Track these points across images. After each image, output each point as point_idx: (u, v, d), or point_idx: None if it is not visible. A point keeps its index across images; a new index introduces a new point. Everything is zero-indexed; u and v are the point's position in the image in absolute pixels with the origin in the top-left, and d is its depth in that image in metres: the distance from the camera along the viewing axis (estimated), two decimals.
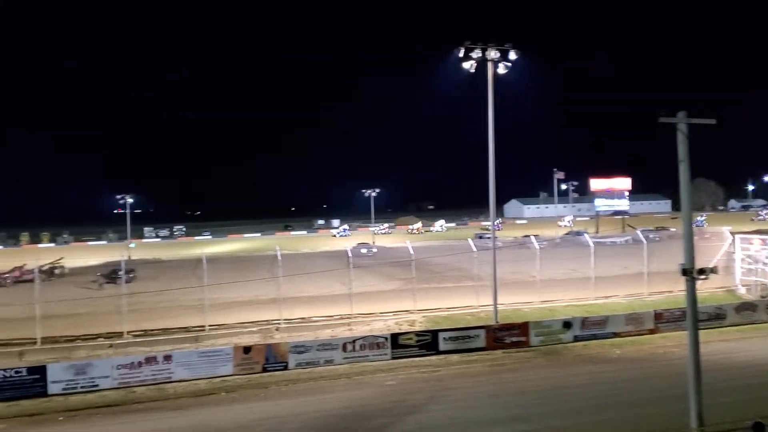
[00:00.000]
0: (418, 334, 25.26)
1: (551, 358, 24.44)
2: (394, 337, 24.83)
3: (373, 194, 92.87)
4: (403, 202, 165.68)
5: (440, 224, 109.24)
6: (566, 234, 70.44)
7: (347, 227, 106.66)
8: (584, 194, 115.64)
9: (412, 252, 32.20)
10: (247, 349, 23.28)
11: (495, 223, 30.27)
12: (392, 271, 41.94)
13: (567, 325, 26.64)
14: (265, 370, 23.03)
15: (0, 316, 31.10)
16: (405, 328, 27.16)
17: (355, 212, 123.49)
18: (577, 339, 26.37)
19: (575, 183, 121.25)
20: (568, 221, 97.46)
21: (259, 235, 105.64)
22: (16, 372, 20.80)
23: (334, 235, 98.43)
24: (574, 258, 38.63)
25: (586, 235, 49.68)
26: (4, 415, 19.30)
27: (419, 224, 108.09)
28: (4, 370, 20.86)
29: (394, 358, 24.19)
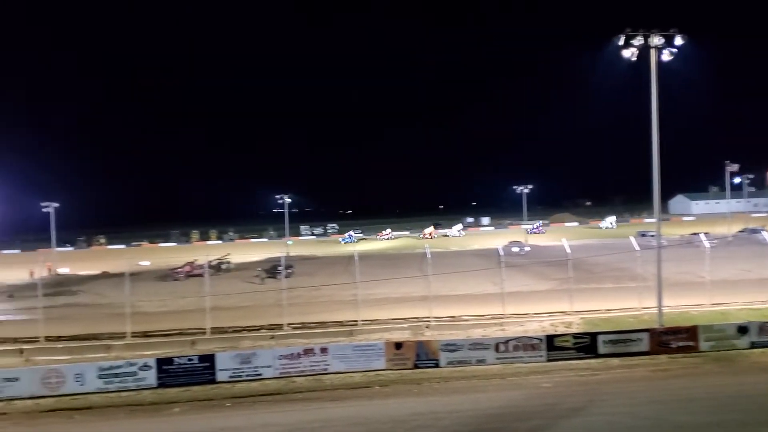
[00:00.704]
0: (575, 336, 24.16)
1: (723, 365, 22.35)
2: (550, 338, 23.92)
3: (525, 191, 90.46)
4: (558, 199, 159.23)
5: (457, 228, 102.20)
6: (740, 231, 64.62)
7: (352, 233, 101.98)
8: (762, 188, 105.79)
9: (568, 251, 30.91)
10: (398, 345, 23.48)
11: (658, 220, 28.23)
12: (546, 270, 40.67)
13: (742, 329, 24.24)
14: (416, 366, 23.09)
15: (175, 308, 33.92)
16: (561, 329, 26.09)
17: (505, 210, 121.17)
18: (754, 345, 23.90)
19: (750, 176, 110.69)
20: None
21: (407, 233, 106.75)
22: (189, 360, 22.40)
23: (340, 242, 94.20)
24: (749, 258, 35.43)
25: (764, 232, 45.16)
26: (179, 399, 20.83)
27: (431, 228, 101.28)
28: (179, 357, 22.56)
29: (549, 360, 23.31)
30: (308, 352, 23.02)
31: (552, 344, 23.63)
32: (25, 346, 25.72)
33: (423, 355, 23.27)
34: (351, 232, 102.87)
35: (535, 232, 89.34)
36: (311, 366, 22.81)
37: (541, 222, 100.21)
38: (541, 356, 23.43)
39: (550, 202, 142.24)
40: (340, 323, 28.06)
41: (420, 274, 33.47)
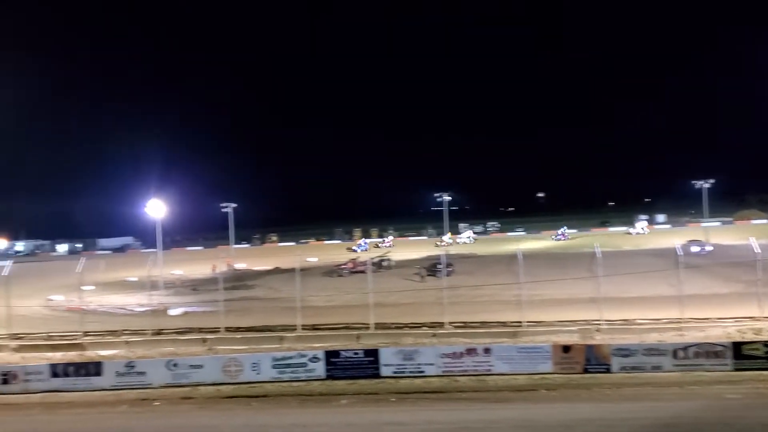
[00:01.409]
0: (767, 344, 21.83)
1: None
2: (737, 345, 21.79)
3: (706, 185, 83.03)
4: (744, 194, 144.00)
5: (467, 235, 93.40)
6: None
7: (366, 241, 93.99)
8: None
9: (758, 250, 27.99)
10: (566, 348, 22.54)
11: None
12: (731, 272, 37.32)
13: None
14: (585, 371, 22.04)
15: (340, 303, 35.16)
16: (749, 336, 23.70)
17: (682, 206, 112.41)
18: None
19: None
20: None
21: (574, 231, 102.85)
22: (355, 353, 23.00)
23: (354, 249, 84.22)
24: None
25: None
26: (346, 391, 21.46)
27: (447, 236, 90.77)
28: (345, 351, 23.24)
29: (735, 370, 21.27)
30: (471, 351, 22.75)
31: (739, 352, 21.55)
32: (207, 336, 27.75)
33: (593, 360, 22.16)
34: (365, 239, 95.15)
35: (560, 239, 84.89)
36: (474, 366, 22.53)
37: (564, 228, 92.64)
38: (726, 365, 21.45)
39: (733, 198, 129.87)
40: (504, 324, 27.47)
41: (588, 274, 31.99)
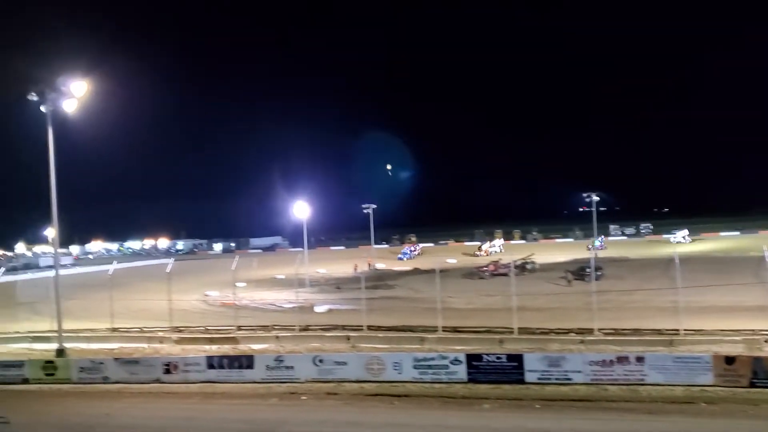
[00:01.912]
0: None
1: None
2: None
3: None
4: None
5: (498, 243, 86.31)
6: None
7: (412, 248, 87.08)
8: None
9: None
10: (729, 360, 20.62)
11: None
12: None
13: None
14: (752, 385, 20.00)
15: (481, 306, 34.69)
16: None
17: None
18: None
19: None
20: None
21: (737, 233, 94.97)
22: (497, 358, 22.44)
23: (400, 258, 79.06)
24: None
25: None
26: (488, 395, 20.97)
27: (488, 244, 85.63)
28: (488, 354, 22.75)
29: None
30: (622, 360, 21.46)
31: None
32: (351, 334, 28.32)
33: (761, 373, 20.10)
34: (411, 247, 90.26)
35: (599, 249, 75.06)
36: (625, 375, 21.20)
37: None
38: None
39: None
40: (658, 331, 25.68)
41: (755, 280, 29.25)
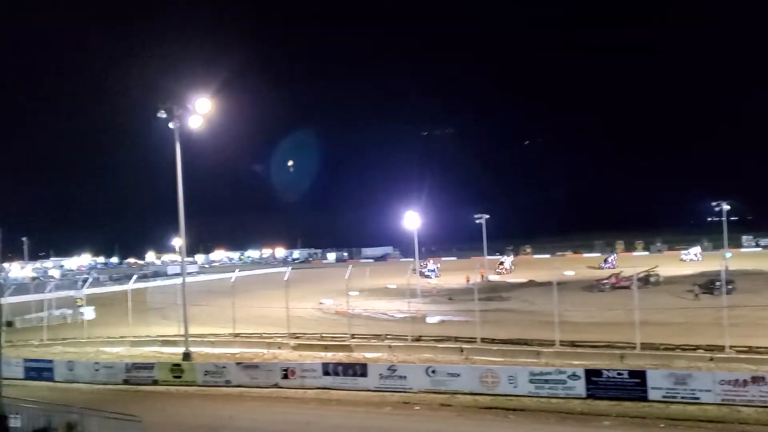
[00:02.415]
0: None
1: None
2: None
3: None
4: None
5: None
6: None
7: (437, 264, 78.59)
8: None
9: None
10: None
11: None
12: None
13: None
14: None
15: (601, 320, 33.32)
16: None
17: None
18: None
19: None
20: None
21: None
22: (618, 374, 21.48)
23: (424, 274, 70.14)
24: None
25: None
26: (609, 413, 20.11)
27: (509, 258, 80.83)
28: (608, 370, 21.81)
29: None
30: (758, 380, 19.92)
31: None
32: (464, 345, 28.01)
33: None
34: (434, 265, 79.55)
35: (609, 267, 69.12)
36: (761, 396, 19.68)
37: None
38: None
39: None
40: None
41: None
